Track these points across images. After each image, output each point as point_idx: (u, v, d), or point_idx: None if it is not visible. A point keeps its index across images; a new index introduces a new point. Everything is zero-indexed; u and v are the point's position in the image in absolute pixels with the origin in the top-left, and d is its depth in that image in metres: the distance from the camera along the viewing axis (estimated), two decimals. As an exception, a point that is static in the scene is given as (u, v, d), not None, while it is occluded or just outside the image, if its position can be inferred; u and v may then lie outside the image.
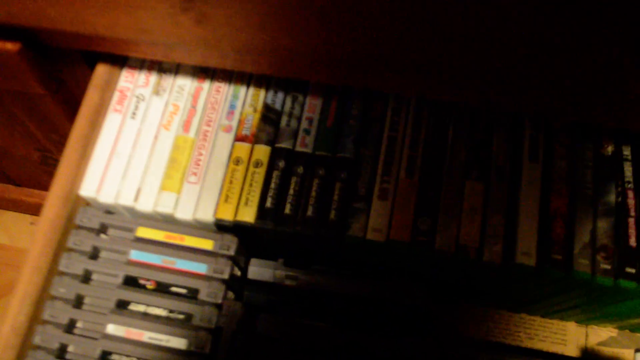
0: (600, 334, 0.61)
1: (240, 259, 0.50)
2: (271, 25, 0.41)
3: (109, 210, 0.51)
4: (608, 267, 0.47)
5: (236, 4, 0.40)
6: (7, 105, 0.64)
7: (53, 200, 0.50)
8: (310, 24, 0.40)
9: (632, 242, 0.48)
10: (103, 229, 0.51)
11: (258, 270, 0.51)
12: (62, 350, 0.48)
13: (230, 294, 0.50)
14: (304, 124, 0.52)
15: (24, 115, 0.65)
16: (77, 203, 0.51)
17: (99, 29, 0.45)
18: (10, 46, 0.51)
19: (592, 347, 0.61)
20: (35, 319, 0.48)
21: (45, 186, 0.86)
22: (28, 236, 0.95)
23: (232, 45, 0.45)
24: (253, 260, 0.51)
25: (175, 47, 0.48)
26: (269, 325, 0.48)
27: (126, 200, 0.50)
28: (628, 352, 0.60)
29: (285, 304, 0.50)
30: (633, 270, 0.47)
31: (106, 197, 0.50)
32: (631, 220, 0.49)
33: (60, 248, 0.49)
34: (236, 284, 0.50)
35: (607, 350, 0.60)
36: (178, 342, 0.47)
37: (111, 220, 0.50)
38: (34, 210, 0.92)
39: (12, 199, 0.89)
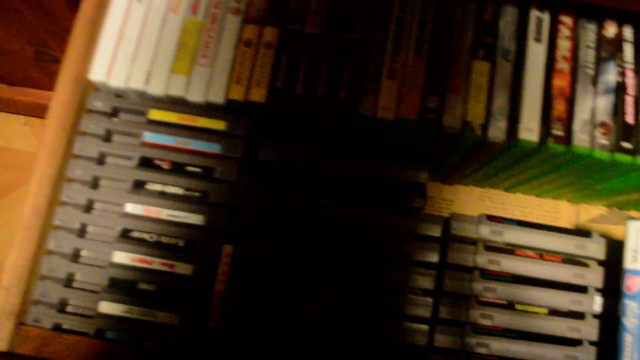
0: (590, 212, 0.65)
1: (251, 140, 0.52)
2: None
3: (119, 95, 0.52)
4: (606, 142, 0.49)
5: None
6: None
7: (64, 85, 0.50)
8: None
9: (630, 119, 0.50)
10: (115, 112, 0.51)
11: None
12: (83, 230, 0.49)
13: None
14: (313, 5, 0.51)
15: (23, 5, 0.63)
16: (88, 88, 0.51)
17: None
18: None
19: (583, 223, 0.64)
20: (54, 201, 0.49)
21: (39, 85, 0.85)
22: (22, 137, 0.95)
23: None
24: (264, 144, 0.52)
25: None
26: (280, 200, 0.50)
27: (137, 83, 0.50)
28: (616, 228, 0.64)
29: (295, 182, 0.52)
30: (629, 146, 0.49)
31: (116, 81, 0.50)
32: (629, 99, 0.50)
33: (73, 132, 0.50)
34: (248, 163, 0.52)
35: (597, 227, 0.64)
36: (196, 219, 0.49)
37: (123, 104, 0.51)
38: (28, 110, 0.91)
39: (5, 99, 0.88)
